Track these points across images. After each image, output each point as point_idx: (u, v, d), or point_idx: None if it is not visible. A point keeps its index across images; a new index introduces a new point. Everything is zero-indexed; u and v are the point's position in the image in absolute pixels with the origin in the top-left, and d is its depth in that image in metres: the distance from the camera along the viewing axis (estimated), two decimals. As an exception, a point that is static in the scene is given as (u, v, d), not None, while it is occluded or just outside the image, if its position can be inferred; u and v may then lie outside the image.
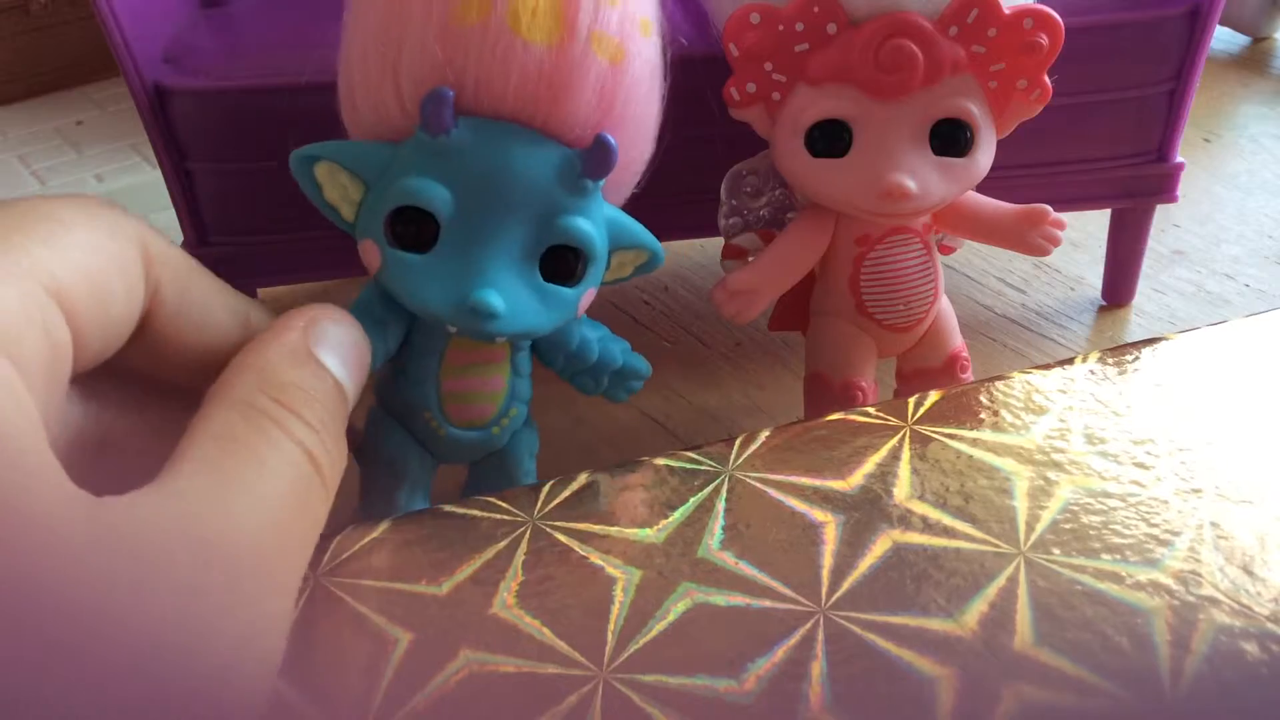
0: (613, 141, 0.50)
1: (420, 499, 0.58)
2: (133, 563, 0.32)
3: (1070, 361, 0.52)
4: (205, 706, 0.34)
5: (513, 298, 0.51)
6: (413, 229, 0.50)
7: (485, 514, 0.46)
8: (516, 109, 0.49)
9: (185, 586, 0.33)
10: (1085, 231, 0.89)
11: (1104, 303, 0.83)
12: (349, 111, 0.53)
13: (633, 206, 0.67)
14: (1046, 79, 0.58)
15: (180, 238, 0.70)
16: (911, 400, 0.50)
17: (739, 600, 0.41)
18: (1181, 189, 0.75)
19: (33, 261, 0.34)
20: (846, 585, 0.41)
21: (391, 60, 0.50)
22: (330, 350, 0.42)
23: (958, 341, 0.65)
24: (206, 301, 0.42)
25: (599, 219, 0.53)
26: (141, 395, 0.43)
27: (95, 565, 0.32)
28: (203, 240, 0.69)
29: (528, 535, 0.44)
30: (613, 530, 0.44)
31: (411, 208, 0.50)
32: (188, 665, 0.33)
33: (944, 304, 0.64)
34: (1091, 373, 0.51)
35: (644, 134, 0.55)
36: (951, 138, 0.57)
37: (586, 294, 0.54)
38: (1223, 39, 1.26)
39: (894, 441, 0.48)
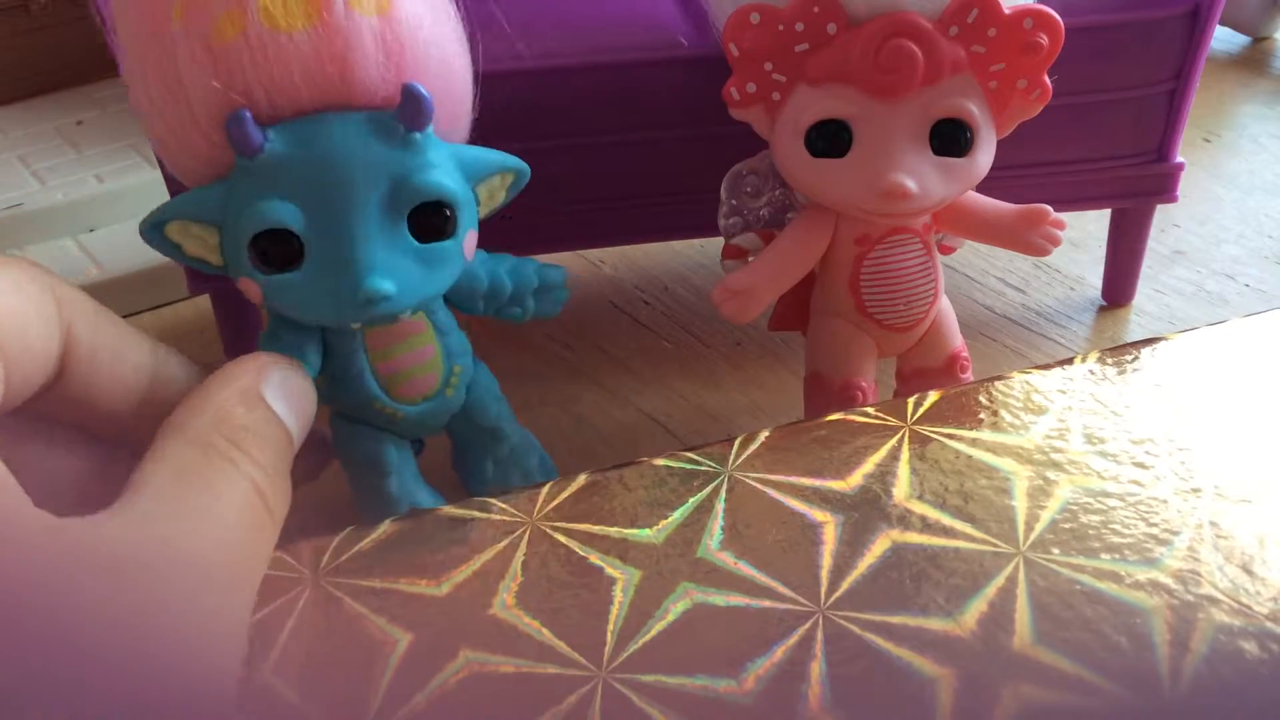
0: (420, 88, 0.50)
1: (411, 483, 0.59)
2: (98, 579, 0.34)
3: (1069, 361, 0.52)
4: (172, 709, 0.35)
5: (398, 273, 0.51)
6: (278, 249, 0.50)
7: (484, 515, 0.46)
8: (314, 98, 0.49)
9: (151, 600, 0.35)
10: (1085, 231, 0.89)
11: (1104, 303, 0.83)
12: (175, 166, 0.52)
13: (632, 206, 0.67)
14: (1046, 79, 0.58)
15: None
16: (911, 400, 0.50)
17: (738, 600, 0.41)
18: (1181, 189, 0.75)
19: None
20: (846, 585, 0.41)
21: (183, 106, 0.49)
22: (277, 395, 0.45)
23: (958, 341, 0.65)
24: (117, 344, 0.44)
25: (446, 163, 0.52)
26: (65, 439, 0.45)
27: (59, 582, 0.33)
28: (203, 240, 0.69)
29: (527, 536, 0.44)
30: (612, 531, 0.44)
31: (265, 231, 0.50)
32: (154, 678, 0.34)
33: (944, 304, 0.64)
34: (1091, 373, 0.51)
35: (454, 63, 0.54)
36: (951, 138, 0.57)
37: (468, 238, 0.54)
38: (1223, 39, 1.26)
39: (893, 441, 0.48)
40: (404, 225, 0.51)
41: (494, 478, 0.62)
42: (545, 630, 0.40)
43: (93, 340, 0.42)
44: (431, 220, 0.52)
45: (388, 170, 0.50)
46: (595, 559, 0.43)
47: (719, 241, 0.64)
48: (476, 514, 0.46)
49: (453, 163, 0.53)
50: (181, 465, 0.39)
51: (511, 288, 0.58)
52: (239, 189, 0.50)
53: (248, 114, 0.48)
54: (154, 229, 0.51)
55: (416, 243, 0.52)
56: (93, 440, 0.45)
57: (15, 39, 1.10)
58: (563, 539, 0.44)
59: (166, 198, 0.67)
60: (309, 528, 0.45)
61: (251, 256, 0.50)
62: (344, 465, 0.58)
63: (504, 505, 0.46)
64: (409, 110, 0.50)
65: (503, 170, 0.55)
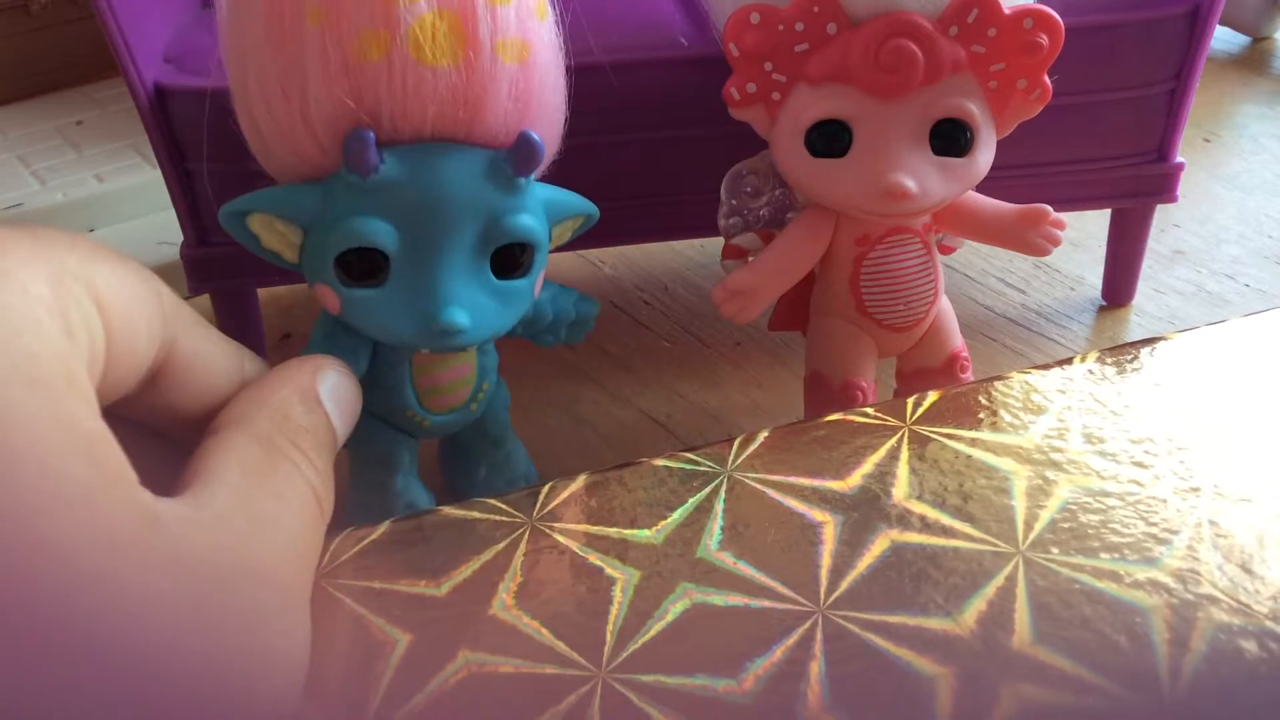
0: (536, 138, 0.51)
1: (413, 480, 0.60)
2: (187, 587, 0.34)
3: (1069, 361, 0.52)
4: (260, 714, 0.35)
5: (474, 307, 0.51)
6: (363, 265, 0.51)
7: (484, 515, 0.46)
8: (437, 130, 0.49)
9: (238, 610, 0.35)
10: (1085, 231, 0.89)
11: (1104, 303, 0.83)
12: (264, 156, 0.53)
13: (632, 206, 0.67)
14: (1046, 79, 0.58)
15: (180, 238, 0.70)
16: (910, 400, 0.50)
17: (737, 600, 0.41)
18: (1181, 189, 0.75)
19: (77, 264, 0.35)
20: (845, 585, 0.41)
21: (298, 107, 0.49)
22: (330, 398, 0.45)
23: (958, 341, 0.65)
24: (213, 355, 0.44)
25: (536, 206, 0.53)
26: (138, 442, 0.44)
27: (153, 587, 0.33)
28: (203, 240, 0.69)
29: (527, 536, 0.44)
30: (611, 531, 0.44)
31: (359, 247, 0.50)
32: (247, 684, 0.34)
33: (944, 304, 0.64)
34: (1090, 372, 0.51)
35: (558, 112, 0.55)
36: (951, 138, 0.57)
37: (539, 278, 0.55)
38: (1223, 39, 1.26)
39: (892, 442, 0.48)
40: (487, 261, 0.52)
41: (484, 481, 0.62)
42: (545, 630, 0.40)
43: (193, 351, 0.42)
44: (512, 258, 0.53)
45: (486, 209, 0.51)
46: (595, 559, 0.43)
47: (719, 241, 0.64)
48: (476, 515, 0.46)
49: (541, 205, 0.54)
50: (248, 462, 0.39)
51: (551, 317, 0.60)
52: (339, 199, 0.50)
53: (371, 136, 0.48)
54: (236, 217, 0.51)
55: (495, 279, 0.52)
56: (165, 444, 0.44)
57: (15, 39, 1.10)
58: (562, 539, 0.44)
59: (166, 198, 0.68)
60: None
61: (336, 268, 0.51)
62: (352, 459, 0.59)
63: (504, 506, 0.46)
64: (522, 158, 0.51)
65: (576, 215, 0.57)
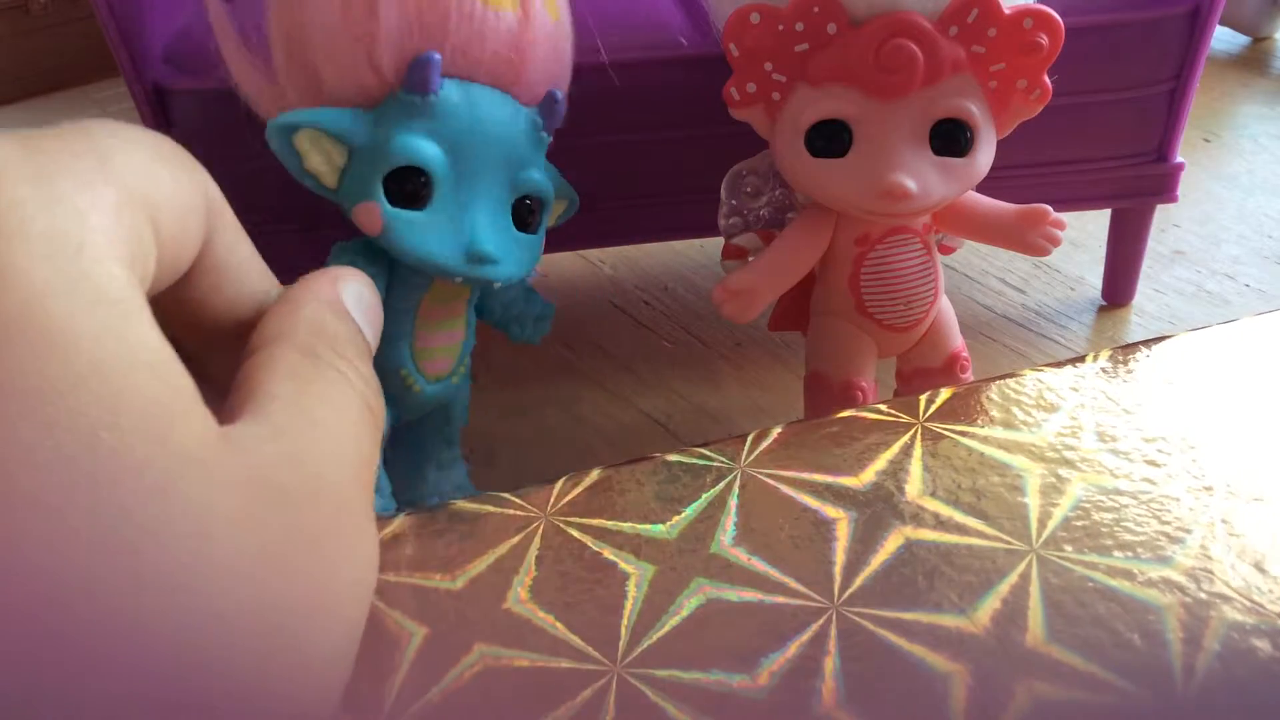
0: (561, 98, 0.54)
1: (381, 464, 0.59)
2: (263, 510, 0.32)
3: (1081, 359, 0.52)
4: (330, 647, 0.34)
5: (504, 246, 0.54)
6: (409, 187, 0.52)
7: (499, 509, 0.46)
8: (490, 72, 0.52)
9: (309, 529, 0.34)
10: (1085, 231, 0.90)
11: (1104, 303, 0.83)
12: (303, 87, 0.53)
13: (632, 206, 0.67)
14: (1046, 79, 0.58)
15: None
16: (923, 398, 0.50)
17: (751, 596, 0.41)
18: (1181, 189, 0.76)
19: (137, 183, 0.34)
20: (859, 581, 0.41)
21: (361, 33, 0.50)
22: (356, 307, 0.43)
23: (958, 341, 0.65)
24: (247, 263, 0.42)
25: (548, 170, 0.56)
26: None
27: (234, 511, 0.31)
28: (204, 239, 0.69)
29: (541, 531, 0.44)
30: (625, 526, 0.44)
31: (407, 167, 0.51)
32: (316, 600, 0.33)
33: (944, 304, 0.64)
34: (1103, 370, 0.51)
35: (569, 76, 0.58)
36: (951, 138, 0.58)
37: (541, 240, 0.57)
38: (1223, 39, 1.27)
39: (905, 439, 0.48)
40: (509, 209, 0.54)
41: (432, 482, 0.63)
42: (559, 624, 0.40)
43: (226, 256, 0.40)
44: (526, 212, 0.55)
45: (518, 158, 0.54)
46: (609, 554, 0.43)
47: (719, 241, 0.65)
48: (490, 508, 0.46)
49: (547, 172, 0.57)
50: (296, 373, 0.38)
51: (521, 307, 0.62)
52: (392, 120, 0.51)
53: (439, 58, 0.50)
54: (284, 131, 0.51)
55: (514, 228, 0.55)
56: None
57: (15, 39, 1.10)
58: (576, 534, 0.44)
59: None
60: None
61: (385, 186, 0.52)
62: None
63: (518, 500, 0.46)
64: (549, 115, 0.54)
65: (567, 196, 0.60)
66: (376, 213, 0.51)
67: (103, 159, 0.33)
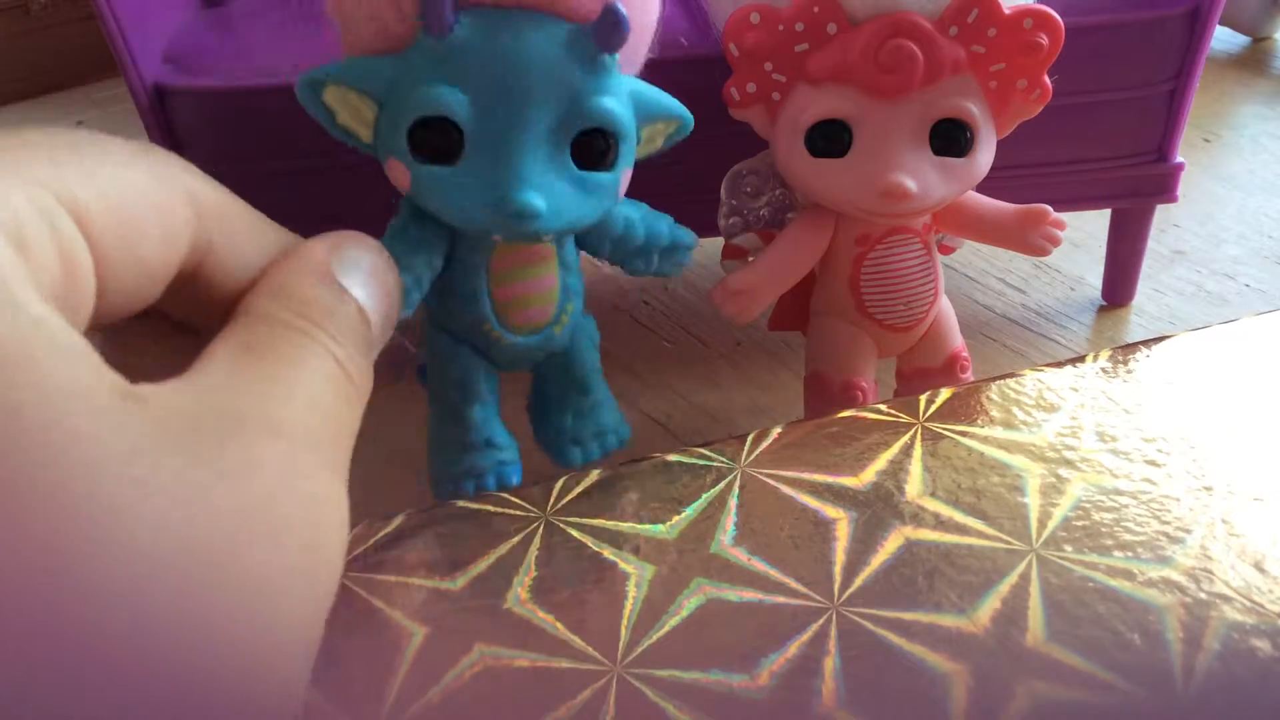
0: (621, 8, 0.49)
1: (491, 413, 0.58)
2: (172, 444, 0.31)
3: (1081, 359, 0.52)
4: (273, 587, 0.33)
5: (552, 193, 0.50)
6: (437, 138, 0.49)
7: (499, 509, 0.46)
8: None
9: (232, 461, 0.32)
10: (1085, 231, 0.90)
11: (1104, 303, 0.83)
12: (345, 29, 0.51)
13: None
14: (1046, 79, 0.58)
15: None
16: (923, 398, 0.50)
17: (752, 596, 0.41)
18: (1181, 189, 0.76)
19: (51, 175, 0.33)
20: (859, 582, 0.41)
21: None
22: (352, 274, 0.42)
23: (958, 341, 0.65)
24: (260, 249, 0.41)
25: (622, 94, 0.52)
26: (177, 342, 0.42)
27: (130, 446, 0.30)
28: (204, 240, 0.69)
29: (541, 531, 0.44)
30: (625, 526, 0.44)
31: (431, 118, 0.49)
32: (245, 544, 0.32)
33: (944, 304, 0.64)
34: (1103, 370, 0.51)
35: (650, 4, 0.54)
36: (951, 138, 0.57)
37: (623, 175, 0.53)
38: (1223, 39, 1.27)
39: (905, 439, 0.48)
40: (568, 147, 0.50)
41: (571, 429, 0.61)
42: (559, 625, 0.40)
43: (233, 251, 0.40)
44: (594, 148, 0.51)
45: (568, 86, 0.49)
46: (609, 554, 0.43)
47: (719, 241, 0.64)
48: (491, 509, 0.46)
49: (628, 97, 0.52)
50: (250, 341, 0.36)
51: (643, 238, 0.58)
52: (413, 68, 0.49)
53: None
54: (311, 87, 0.50)
55: (576, 168, 0.51)
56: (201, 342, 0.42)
57: (15, 39, 1.10)
58: (576, 534, 0.44)
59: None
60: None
61: (408, 142, 0.49)
62: (431, 380, 0.58)
63: (518, 500, 0.46)
64: (606, 30, 0.49)
65: (668, 117, 0.55)
66: (402, 170, 0.50)
67: (14, 151, 0.33)
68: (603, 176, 0.51)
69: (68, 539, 0.29)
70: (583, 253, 0.57)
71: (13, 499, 0.28)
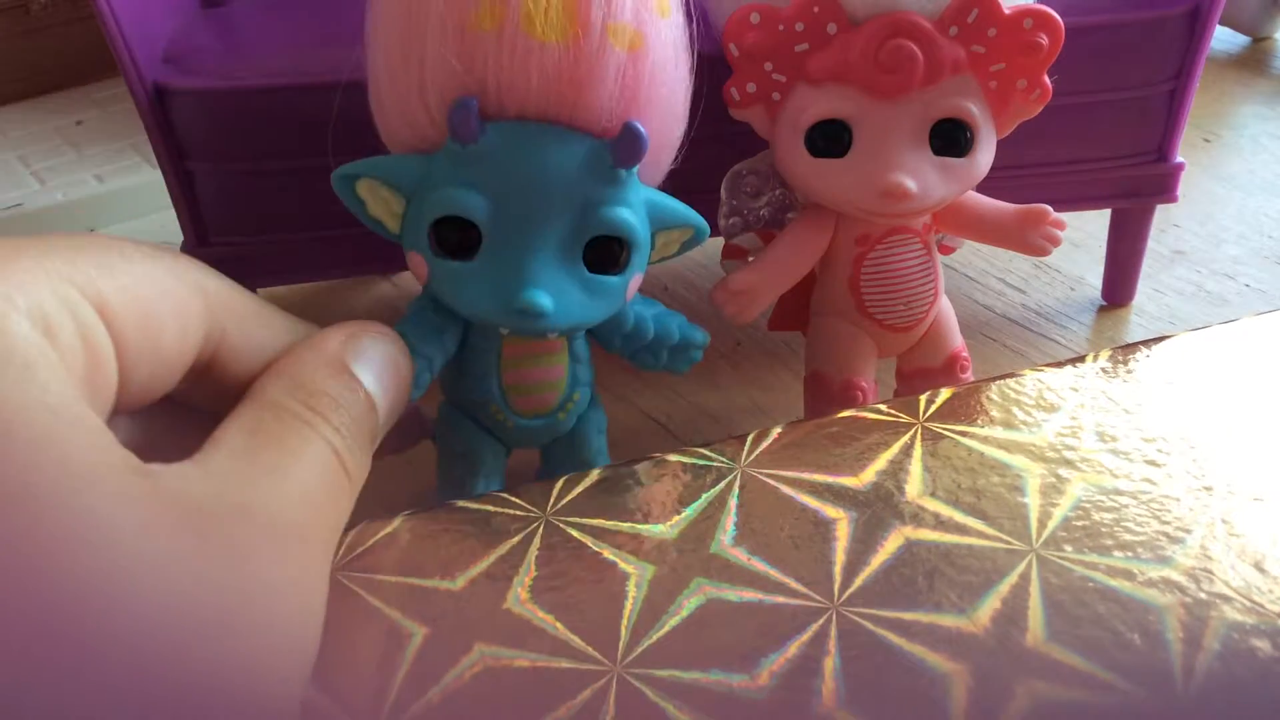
0: (641, 129, 0.51)
1: (495, 486, 0.59)
2: (179, 526, 0.34)
3: (1081, 359, 0.52)
4: (261, 667, 0.35)
5: (560, 293, 0.51)
6: (456, 236, 0.51)
7: (499, 510, 0.46)
8: (541, 108, 0.50)
9: (231, 549, 0.35)
10: (1085, 231, 0.89)
11: (1104, 303, 0.83)
12: (383, 126, 0.54)
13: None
14: (1046, 79, 0.58)
15: (180, 238, 0.70)
16: (923, 398, 0.50)
17: (752, 596, 0.41)
18: (1181, 189, 0.75)
19: (76, 271, 0.36)
20: (859, 582, 0.41)
21: (415, 75, 0.50)
22: (366, 365, 0.45)
23: (958, 341, 0.65)
24: (274, 341, 0.44)
25: (638, 204, 0.53)
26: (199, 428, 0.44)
27: (143, 525, 0.33)
28: (203, 240, 0.69)
29: (541, 531, 0.44)
30: (625, 526, 0.44)
31: (452, 217, 0.50)
32: (237, 627, 0.34)
33: (944, 304, 0.64)
34: (1103, 370, 0.51)
35: (674, 114, 0.55)
36: (951, 138, 0.57)
37: (633, 280, 0.55)
38: (1223, 39, 1.27)
39: (906, 438, 0.48)
40: (580, 251, 0.52)
41: None
42: (559, 625, 0.40)
43: (246, 344, 0.43)
44: (607, 253, 0.53)
45: (584, 196, 0.51)
46: (609, 554, 0.43)
47: (719, 241, 0.64)
48: (491, 509, 0.46)
49: (644, 206, 0.54)
50: (254, 427, 0.39)
51: (653, 335, 0.59)
52: (440, 169, 0.51)
53: (474, 103, 0.49)
54: (346, 180, 0.52)
55: (587, 271, 0.53)
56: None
57: (15, 39, 1.10)
58: (576, 534, 0.44)
59: (166, 198, 0.68)
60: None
61: (430, 237, 0.51)
62: (440, 451, 0.59)
63: (519, 500, 0.46)
64: (625, 147, 0.51)
65: (684, 225, 0.57)
66: (422, 263, 0.52)
67: (39, 251, 0.36)
68: (611, 280, 0.53)
69: (83, 608, 0.31)
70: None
71: (34, 573, 0.31)
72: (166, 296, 0.39)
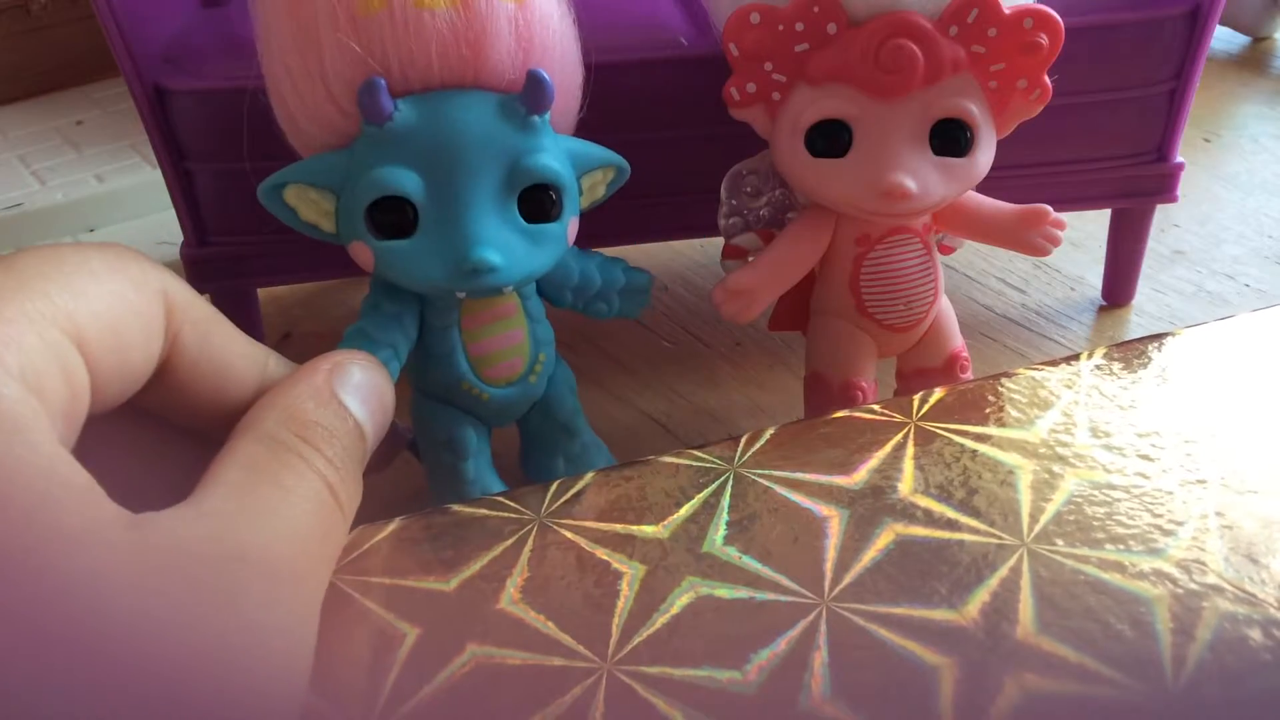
0: (544, 75, 0.52)
1: (486, 468, 0.60)
2: (171, 577, 0.34)
3: (1075, 357, 0.52)
4: (252, 706, 0.35)
5: (505, 248, 0.53)
6: (392, 217, 0.52)
7: (493, 512, 0.46)
8: (445, 75, 0.51)
9: (224, 594, 0.35)
10: (1085, 231, 0.89)
11: (1104, 303, 0.83)
12: (294, 135, 0.55)
13: (633, 207, 0.67)
14: (1046, 79, 0.58)
15: (180, 238, 0.70)
16: (916, 397, 0.50)
17: (742, 593, 0.41)
18: (1181, 189, 0.75)
19: (56, 308, 0.36)
20: (849, 577, 0.41)
21: (316, 71, 0.51)
22: (353, 393, 0.45)
23: (958, 341, 0.65)
24: (225, 350, 0.44)
25: (558, 151, 0.55)
26: (160, 437, 0.45)
27: (135, 580, 0.33)
28: (203, 240, 0.69)
29: (534, 532, 0.44)
30: (618, 527, 0.44)
31: (385, 198, 0.51)
32: (231, 672, 0.35)
33: (944, 304, 0.64)
34: (1097, 368, 0.51)
35: (570, 58, 0.57)
36: (951, 138, 0.57)
37: (570, 224, 0.56)
38: (1223, 39, 1.27)
39: (899, 437, 0.48)
40: (514, 204, 0.53)
41: (565, 473, 0.62)
42: (551, 624, 0.40)
43: (199, 349, 0.43)
44: (539, 202, 0.54)
45: (505, 150, 0.53)
46: (602, 554, 0.43)
47: (719, 241, 0.64)
48: (485, 511, 0.46)
49: (563, 152, 0.55)
50: (249, 462, 0.40)
51: (600, 284, 0.61)
52: (362, 156, 0.52)
53: (382, 82, 0.50)
54: (273, 191, 0.53)
55: (524, 222, 0.54)
56: (185, 436, 0.45)
57: (15, 39, 1.10)
58: (570, 535, 0.44)
59: (166, 198, 0.68)
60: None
61: (367, 223, 0.52)
62: (422, 445, 0.60)
63: (512, 503, 0.46)
64: (532, 95, 0.53)
65: (605, 165, 0.58)
66: (365, 250, 0.53)
67: (13, 286, 0.36)
68: (550, 227, 0.55)
69: (82, 663, 0.32)
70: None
71: (33, 631, 0.31)
72: (134, 314, 0.39)
